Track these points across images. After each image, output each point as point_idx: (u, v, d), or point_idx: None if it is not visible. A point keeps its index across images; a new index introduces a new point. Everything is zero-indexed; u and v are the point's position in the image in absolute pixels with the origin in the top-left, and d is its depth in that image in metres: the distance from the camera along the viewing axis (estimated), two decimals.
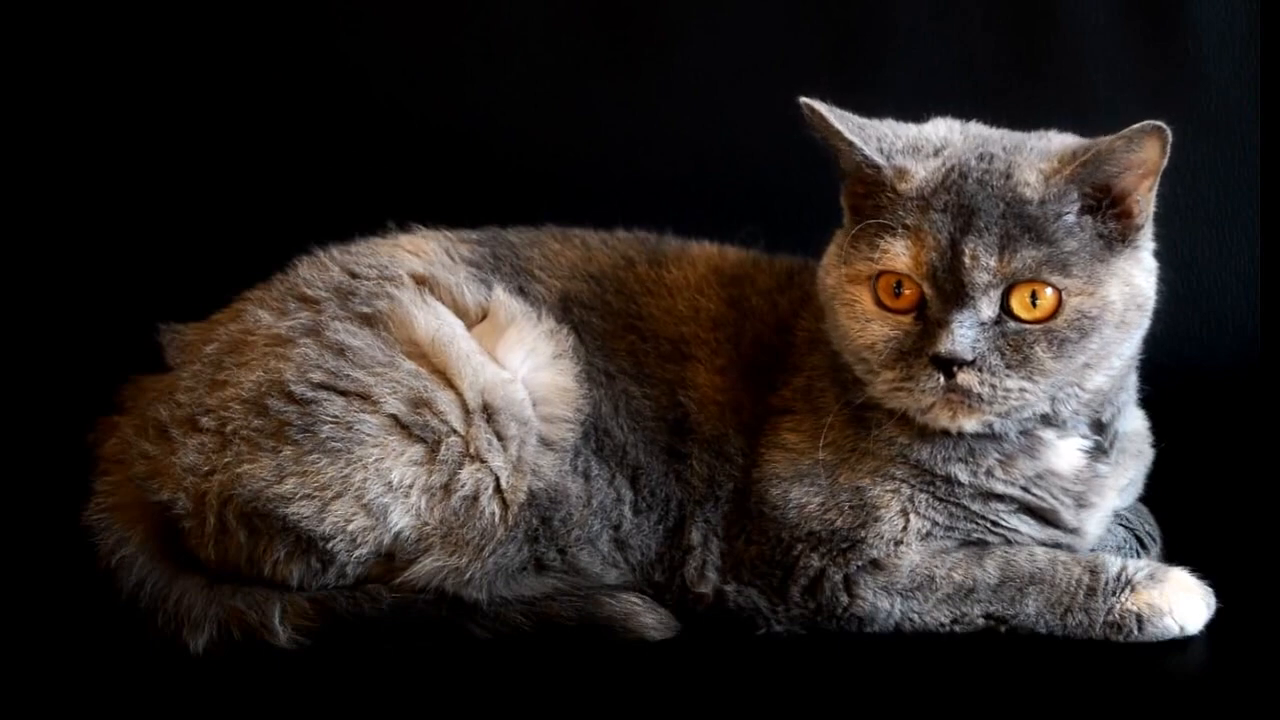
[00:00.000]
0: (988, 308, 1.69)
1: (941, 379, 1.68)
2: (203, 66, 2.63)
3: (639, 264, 1.99)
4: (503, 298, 1.90)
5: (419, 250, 1.96)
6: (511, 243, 2.01)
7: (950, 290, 1.68)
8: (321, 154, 2.63)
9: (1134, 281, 1.74)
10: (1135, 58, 2.53)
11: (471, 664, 1.78)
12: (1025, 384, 1.69)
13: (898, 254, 1.71)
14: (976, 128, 1.82)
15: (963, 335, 1.67)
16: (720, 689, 1.72)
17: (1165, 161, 1.70)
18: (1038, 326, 1.69)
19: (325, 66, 2.64)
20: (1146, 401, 1.96)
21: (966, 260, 1.68)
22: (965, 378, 1.68)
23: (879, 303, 1.74)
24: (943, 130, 1.81)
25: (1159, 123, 1.67)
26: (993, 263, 1.67)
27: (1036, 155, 1.74)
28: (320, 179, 2.60)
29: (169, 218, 2.62)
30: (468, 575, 1.81)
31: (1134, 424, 1.92)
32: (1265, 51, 2.50)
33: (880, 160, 1.75)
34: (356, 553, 1.80)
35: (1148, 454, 1.94)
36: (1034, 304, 1.69)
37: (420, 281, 1.90)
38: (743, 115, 2.61)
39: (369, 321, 1.84)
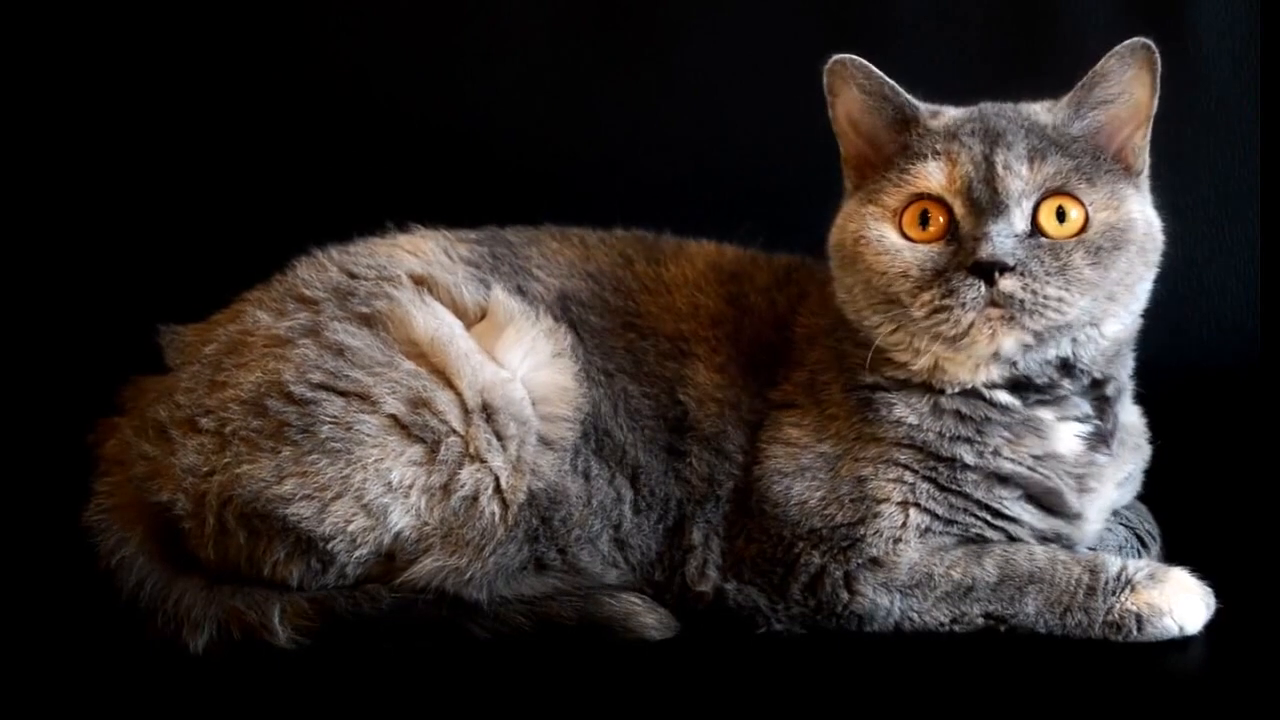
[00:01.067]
0: (1020, 220, 1.72)
1: (983, 286, 1.70)
2: (203, 67, 2.63)
3: (637, 262, 1.99)
4: (501, 297, 1.90)
5: (417, 250, 1.96)
6: (510, 242, 2.01)
7: (985, 203, 1.72)
8: (321, 154, 2.63)
9: (1147, 212, 1.80)
10: None
11: (471, 664, 1.78)
12: (1064, 293, 1.71)
13: (930, 173, 1.76)
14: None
15: (1002, 241, 1.70)
16: (720, 689, 1.72)
17: (1156, 102, 1.78)
18: (1071, 239, 1.73)
19: (325, 67, 2.65)
20: (1146, 401, 1.96)
21: (999, 169, 1.72)
22: (1007, 283, 1.69)
23: (905, 235, 1.77)
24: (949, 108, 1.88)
25: (1146, 40, 1.75)
26: (1024, 170, 1.73)
27: (1042, 105, 1.83)
28: (320, 179, 2.60)
29: (169, 218, 2.63)
30: (468, 575, 1.81)
31: (1131, 417, 1.93)
32: (1265, 51, 2.50)
33: (917, 102, 1.81)
34: (356, 553, 1.80)
35: (1145, 449, 1.95)
36: (1061, 221, 1.73)
37: (419, 281, 1.90)
38: (743, 115, 2.61)
39: (368, 322, 1.84)
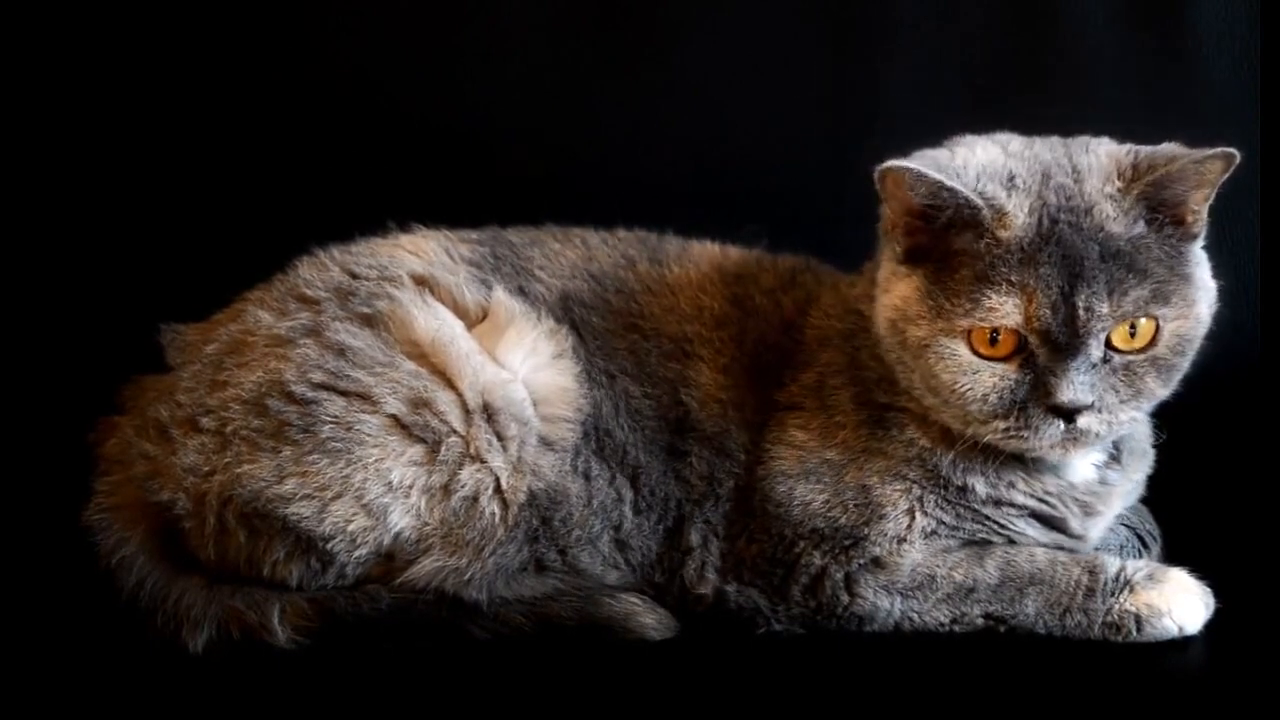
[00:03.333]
0: (1096, 349, 1.68)
1: (1062, 425, 1.69)
2: (203, 67, 2.63)
3: (640, 263, 1.99)
4: (503, 298, 1.90)
5: (419, 250, 1.96)
6: (512, 242, 2.01)
7: (1062, 342, 1.67)
8: (321, 154, 2.62)
9: (1209, 285, 1.75)
10: (1135, 58, 2.53)
11: (471, 664, 1.78)
12: (1136, 412, 1.72)
13: (1008, 312, 1.67)
14: (1016, 143, 1.79)
15: (1082, 382, 1.67)
16: (720, 689, 1.72)
17: (1226, 176, 1.70)
18: (1142, 356, 1.70)
19: (325, 66, 2.64)
20: None
21: (1081, 313, 1.66)
22: (1086, 421, 1.69)
23: (976, 353, 1.71)
24: (984, 154, 1.76)
25: (1231, 150, 1.67)
26: (1105, 309, 1.66)
27: (1098, 177, 1.71)
28: (320, 179, 2.60)
29: (169, 218, 2.62)
30: (468, 576, 1.81)
31: (1139, 423, 1.92)
32: (1265, 51, 2.50)
33: (980, 201, 1.68)
34: (356, 553, 1.80)
35: (1150, 454, 1.94)
36: (1132, 335, 1.69)
37: (420, 282, 1.90)
38: (743, 115, 2.61)
39: (369, 322, 1.84)
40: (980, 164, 1.74)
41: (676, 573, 1.86)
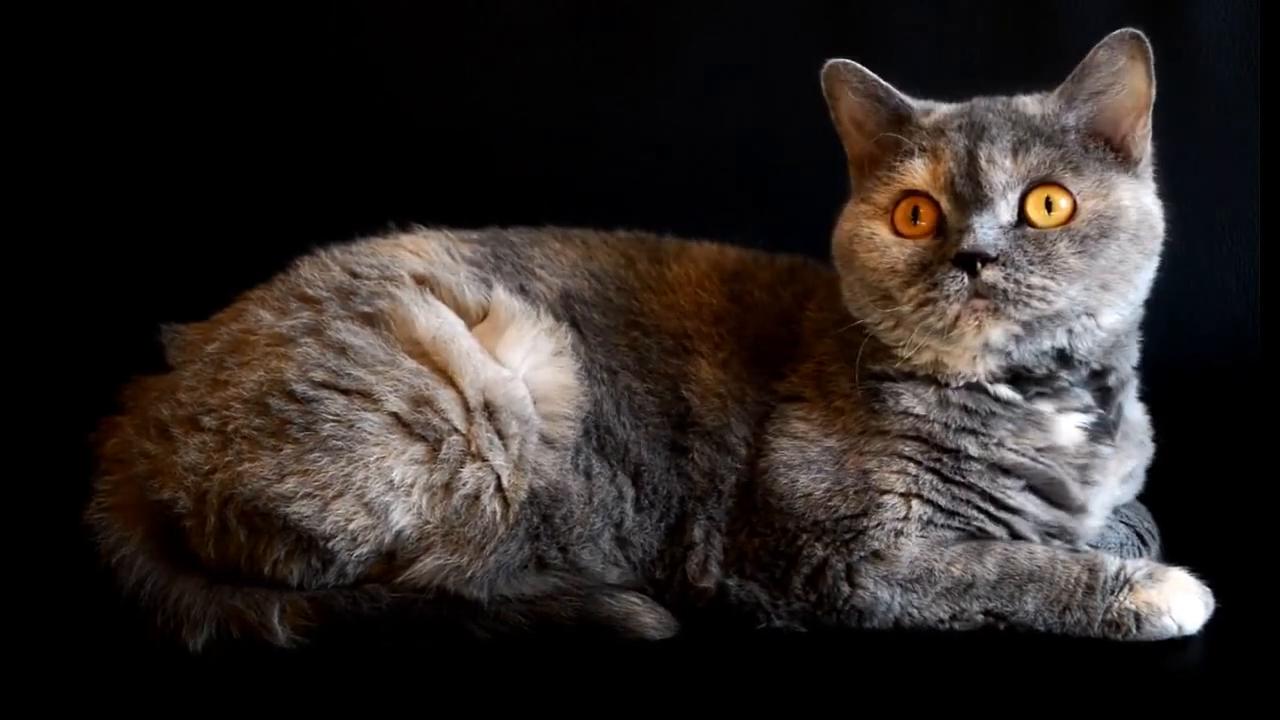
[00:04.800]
0: (1006, 212, 1.73)
1: (965, 278, 1.71)
2: (203, 67, 2.63)
3: (640, 262, 1.99)
4: (503, 297, 1.90)
5: (420, 250, 1.96)
6: (512, 242, 2.01)
7: (969, 196, 1.73)
8: (322, 154, 2.63)
9: (1142, 200, 1.80)
10: None
11: (471, 664, 1.78)
12: (1048, 281, 1.72)
13: (916, 170, 1.78)
14: None
15: (985, 233, 1.71)
16: (720, 689, 1.72)
17: (1153, 91, 1.78)
18: (1058, 229, 1.73)
19: (326, 67, 2.65)
20: (1146, 399, 1.96)
21: (983, 163, 1.74)
22: (990, 273, 1.70)
23: (896, 232, 1.79)
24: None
25: (1135, 30, 1.74)
26: (1008, 163, 1.74)
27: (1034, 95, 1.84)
28: (320, 179, 2.61)
29: (169, 218, 2.63)
30: (469, 574, 1.81)
31: (1136, 414, 1.93)
32: (1265, 51, 2.50)
33: (912, 102, 1.83)
34: (357, 552, 1.80)
35: (1149, 447, 1.95)
36: (1048, 211, 1.74)
37: (421, 281, 1.90)
38: (743, 115, 2.61)
39: (370, 321, 1.84)
40: (930, 102, 1.88)
41: (678, 568, 1.86)
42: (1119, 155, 1.80)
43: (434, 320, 1.84)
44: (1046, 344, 1.78)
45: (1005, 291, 1.70)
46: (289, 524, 1.78)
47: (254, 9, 2.63)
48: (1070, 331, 1.77)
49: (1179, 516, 2.01)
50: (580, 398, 1.87)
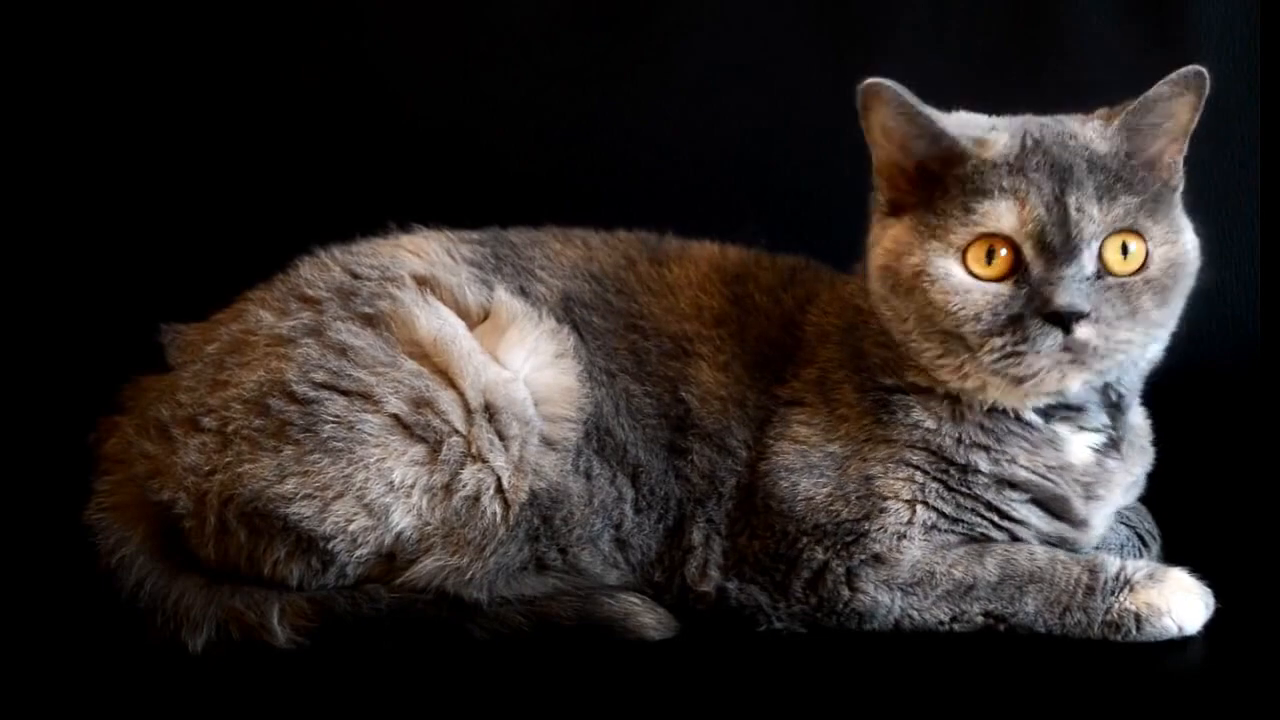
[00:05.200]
0: (1090, 261, 1.70)
1: (1059, 335, 1.68)
2: (204, 67, 2.63)
3: (640, 263, 1.99)
4: (504, 298, 1.90)
5: (420, 251, 1.96)
6: (513, 243, 2.01)
7: (1057, 246, 1.69)
8: (322, 154, 2.63)
9: (1194, 239, 1.78)
10: (1135, 58, 2.53)
11: (471, 664, 1.78)
12: (1133, 334, 1.71)
13: (1000, 214, 1.70)
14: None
15: (1078, 288, 1.68)
16: (720, 689, 1.72)
17: (1196, 121, 1.75)
18: (1136, 277, 1.71)
19: (325, 66, 2.65)
20: (1146, 401, 1.96)
21: (1073, 212, 1.69)
22: (1084, 331, 1.68)
23: (970, 273, 1.73)
24: (965, 115, 1.83)
25: (1201, 68, 1.71)
26: (1096, 212, 1.69)
27: (1076, 120, 1.78)
28: (321, 179, 2.61)
29: (169, 218, 2.63)
30: (469, 575, 1.81)
31: (1137, 419, 1.93)
32: (1265, 51, 2.50)
33: (954, 133, 1.74)
34: (357, 553, 1.80)
35: (1149, 451, 1.95)
36: (1125, 256, 1.71)
37: (422, 282, 1.90)
38: (744, 116, 2.61)
39: (371, 322, 1.84)
40: (960, 119, 1.81)
41: (677, 571, 1.86)
42: (1164, 185, 1.76)
43: (435, 321, 1.84)
44: (1099, 381, 1.78)
45: (1096, 348, 1.69)
46: (289, 525, 1.78)
47: (254, 9, 2.63)
48: (1120, 367, 1.77)
49: (1179, 517, 2.01)
50: (582, 400, 1.87)
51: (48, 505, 2.03)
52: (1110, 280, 1.70)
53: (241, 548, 1.81)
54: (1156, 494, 1.99)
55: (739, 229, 2.08)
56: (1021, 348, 1.69)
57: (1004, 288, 1.71)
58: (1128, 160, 1.74)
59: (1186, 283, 1.76)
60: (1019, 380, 1.72)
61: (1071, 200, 1.69)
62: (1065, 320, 1.67)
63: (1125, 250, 1.71)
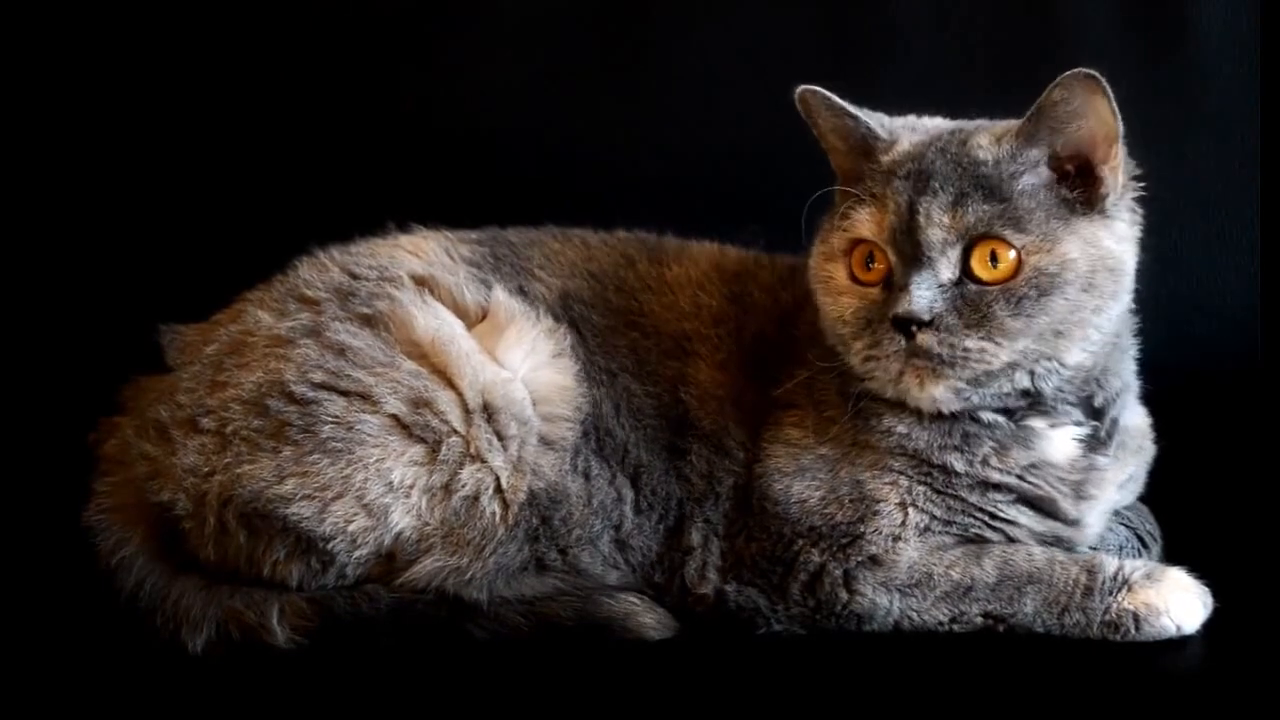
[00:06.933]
0: (946, 269, 1.71)
1: (902, 341, 1.71)
2: (203, 67, 2.63)
3: (639, 262, 1.99)
4: (502, 298, 1.90)
5: (419, 251, 1.96)
6: (511, 242, 2.01)
7: (910, 252, 1.72)
8: (322, 154, 2.63)
9: (1101, 244, 1.75)
10: (1135, 58, 2.53)
11: (471, 664, 1.78)
12: (985, 344, 1.71)
13: (863, 221, 1.76)
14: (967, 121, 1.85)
15: (920, 296, 1.70)
16: (720, 689, 1.72)
17: (1120, 124, 1.73)
18: (996, 287, 1.71)
19: (325, 66, 2.65)
20: (1146, 401, 1.96)
21: (921, 219, 1.71)
22: (924, 338, 1.70)
23: (852, 277, 1.78)
24: (929, 121, 1.86)
25: (1088, 70, 1.69)
26: (945, 219, 1.71)
27: (998, 127, 1.79)
28: (320, 179, 2.61)
29: (169, 218, 2.63)
30: (468, 575, 1.81)
31: (1135, 419, 1.93)
32: (1265, 51, 2.50)
33: (881, 132, 1.80)
34: (357, 553, 1.80)
35: (1149, 450, 1.95)
36: (994, 264, 1.71)
37: (420, 282, 1.90)
38: (743, 115, 2.61)
39: (369, 322, 1.84)
40: (906, 121, 1.85)
41: (677, 572, 1.86)
42: (1086, 193, 1.75)
43: (433, 321, 1.84)
44: (1006, 387, 1.77)
45: (940, 355, 1.70)
46: (288, 525, 1.78)
47: (254, 9, 2.63)
48: (1033, 374, 1.76)
49: (1179, 517, 2.01)
50: (580, 399, 1.87)
51: (48, 505, 2.03)
52: (970, 288, 1.71)
53: (241, 548, 1.81)
54: (1156, 494, 1.99)
55: (739, 229, 2.08)
56: (874, 351, 1.73)
57: (873, 292, 1.76)
58: (1016, 171, 1.73)
59: (1070, 292, 1.71)
60: (883, 383, 1.76)
61: (922, 208, 1.71)
62: (904, 326, 1.70)
63: (995, 258, 1.71)
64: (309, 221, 2.08)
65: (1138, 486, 1.96)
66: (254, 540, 1.81)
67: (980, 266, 1.71)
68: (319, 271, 1.93)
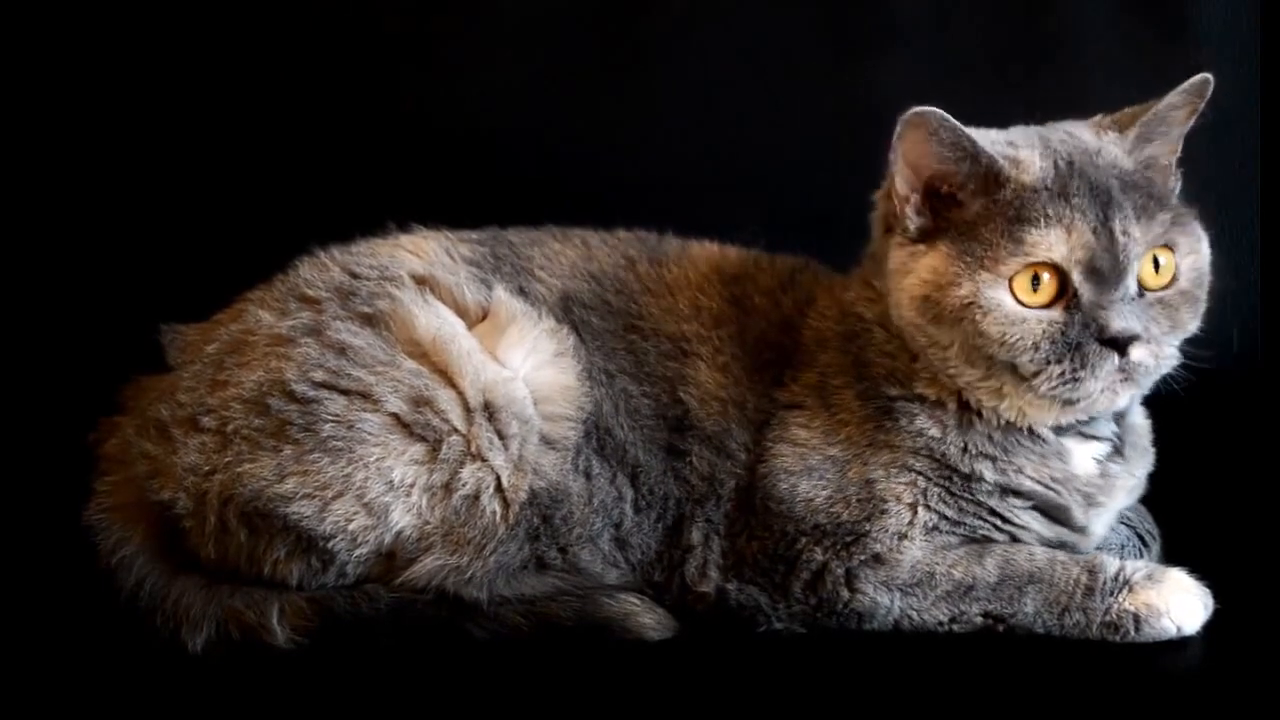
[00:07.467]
0: (1132, 283, 1.71)
1: (1117, 359, 1.70)
2: (203, 66, 2.63)
3: (640, 263, 1.99)
4: (503, 297, 1.90)
5: (419, 250, 1.96)
6: (512, 242, 2.01)
7: (1106, 271, 1.70)
8: (322, 154, 2.63)
9: (1206, 241, 1.80)
10: (1135, 58, 2.53)
11: (471, 664, 1.78)
12: (1173, 348, 1.74)
13: (1051, 244, 1.70)
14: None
15: (1130, 311, 1.70)
16: (720, 689, 1.72)
17: (1196, 115, 1.77)
18: (1170, 290, 1.73)
19: (326, 66, 2.65)
20: (1146, 401, 1.96)
21: (1119, 236, 1.69)
22: (1139, 353, 1.70)
23: (1019, 301, 1.72)
24: (981, 132, 1.79)
25: (1209, 75, 1.73)
26: (1139, 233, 1.70)
27: (1090, 131, 1.79)
28: (320, 179, 2.61)
29: (169, 218, 2.63)
30: (469, 574, 1.81)
31: (1138, 418, 1.93)
32: (1265, 51, 2.51)
33: (994, 152, 1.73)
34: (357, 552, 1.80)
35: (1150, 451, 1.95)
36: (1157, 270, 1.73)
37: (421, 281, 1.90)
38: (742, 115, 2.61)
39: (370, 321, 1.84)
40: (981, 135, 1.78)
41: (677, 571, 1.86)
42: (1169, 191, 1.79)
43: (434, 321, 1.84)
44: (1141, 396, 1.82)
45: (1148, 366, 1.72)
46: (289, 524, 1.78)
47: (254, 9, 2.63)
48: None
49: (1179, 516, 2.01)
50: (581, 398, 1.87)
51: (48, 505, 2.03)
52: (1149, 297, 1.72)
53: (241, 547, 1.81)
54: (1156, 494, 1.99)
55: (739, 229, 2.08)
56: (1081, 374, 1.70)
57: (1056, 314, 1.71)
58: (1145, 172, 1.75)
59: (1207, 284, 1.77)
60: (1072, 403, 1.74)
61: (1116, 224, 1.69)
62: (1122, 344, 1.69)
63: (1157, 264, 1.72)
64: (309, 221, 2.08)
65: (1140, 488, 1.96)
66: (254, 539, 1.81)
67: (1147, 274, 1.72)
68: (320, 271, 1.93)
